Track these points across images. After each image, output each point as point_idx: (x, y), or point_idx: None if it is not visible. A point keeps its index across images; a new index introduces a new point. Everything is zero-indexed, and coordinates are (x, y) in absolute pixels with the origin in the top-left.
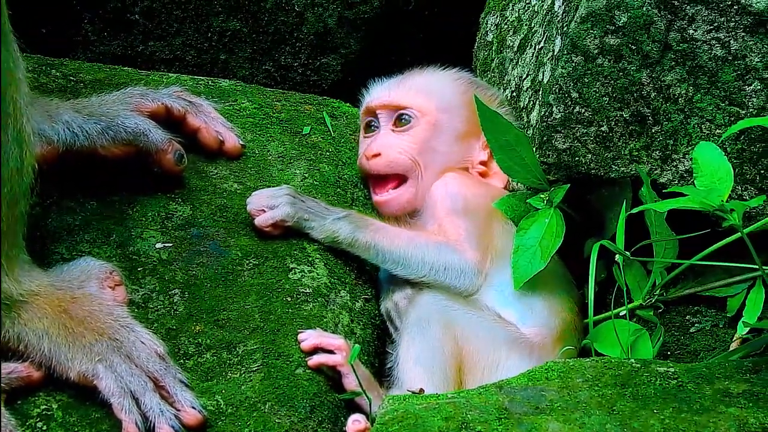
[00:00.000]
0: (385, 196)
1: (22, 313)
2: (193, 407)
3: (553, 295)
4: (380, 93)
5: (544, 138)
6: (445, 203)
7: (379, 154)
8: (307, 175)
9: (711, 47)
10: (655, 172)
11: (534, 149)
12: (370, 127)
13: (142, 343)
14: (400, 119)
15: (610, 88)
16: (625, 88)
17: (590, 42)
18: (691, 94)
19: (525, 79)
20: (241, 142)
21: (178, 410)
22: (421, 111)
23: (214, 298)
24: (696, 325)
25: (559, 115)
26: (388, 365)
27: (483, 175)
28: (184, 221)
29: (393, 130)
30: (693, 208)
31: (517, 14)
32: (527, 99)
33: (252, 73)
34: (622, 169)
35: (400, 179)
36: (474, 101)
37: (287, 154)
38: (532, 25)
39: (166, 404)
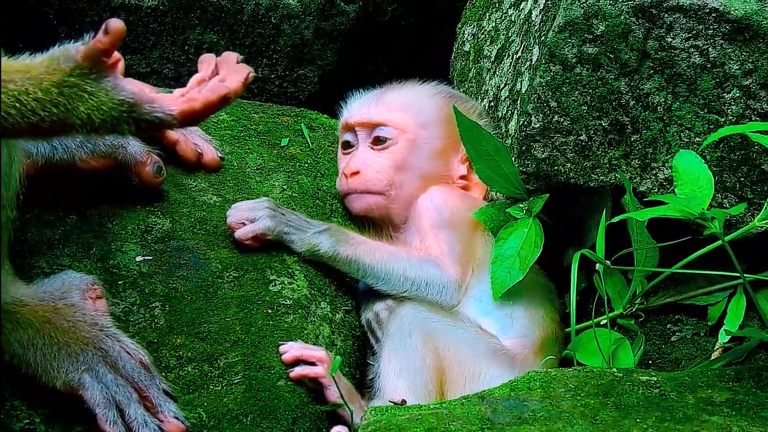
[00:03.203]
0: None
1: (6, 323)
2: (177, 418)
3: (533, 305)
4: (359, 109)
5: (523, 147)
6: (430, 216)
7: (358, 172)
8: (285, 187)
9: (689, 55)
10: (635, 180)
11: (513, 159)
12: (348, 144)
13: (128, 353)
14: (379, 137)
15: (588, 97)
16: (603, 96)
17: (568, 51)
18: (669, 102)
19: (503, 88)
20: (219, 155)
21: (162, 421)
22: (400, 128)
23: (195, 310)
24: (677, 333)
25: (538, 125)
26: (370, 376)
27: (465, 189)
28: (164, 234)
29: (372, 148)
30: (674, 216)
31: (494, 24)
32: (505, 108)
33: None
34: (602, 178)
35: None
36: (452, 116)
37: (266, 166)
38: (510, 34)
39: (150, 415)
